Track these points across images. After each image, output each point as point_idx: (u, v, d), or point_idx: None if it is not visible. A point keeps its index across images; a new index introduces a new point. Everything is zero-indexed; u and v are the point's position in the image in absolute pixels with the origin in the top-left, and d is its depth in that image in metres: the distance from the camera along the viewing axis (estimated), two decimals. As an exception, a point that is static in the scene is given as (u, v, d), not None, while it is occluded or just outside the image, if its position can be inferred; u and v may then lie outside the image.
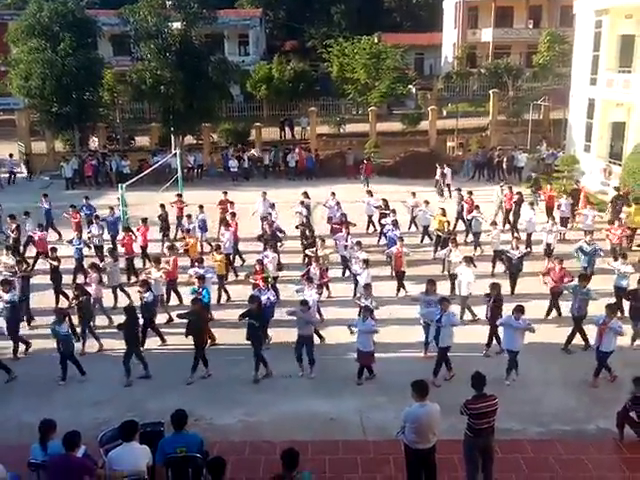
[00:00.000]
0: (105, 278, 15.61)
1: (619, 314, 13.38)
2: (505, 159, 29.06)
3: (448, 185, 26.32)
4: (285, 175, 31.28)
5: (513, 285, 16.15)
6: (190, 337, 12.46)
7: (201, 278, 14.15)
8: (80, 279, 16.36)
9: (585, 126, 28.67)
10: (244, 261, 18.50)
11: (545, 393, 11.77)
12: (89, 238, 18.76)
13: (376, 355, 12.36)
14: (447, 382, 11.90)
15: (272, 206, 20.32)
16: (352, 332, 12.32)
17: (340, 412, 11.18)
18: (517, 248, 16.31)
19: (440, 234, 18.61)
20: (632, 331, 13.35)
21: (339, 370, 12.49)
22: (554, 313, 14.81)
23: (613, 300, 13.90)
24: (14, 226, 18.94)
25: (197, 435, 8.11)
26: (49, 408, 10.69)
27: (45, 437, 7.85)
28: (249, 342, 12.36)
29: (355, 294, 15.56)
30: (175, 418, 7.88)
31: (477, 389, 8.49)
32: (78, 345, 13.28)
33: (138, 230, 18.55)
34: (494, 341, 13.18)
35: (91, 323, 14.01)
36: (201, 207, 20.30)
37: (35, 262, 17.96)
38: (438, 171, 26.87)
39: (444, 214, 18.96)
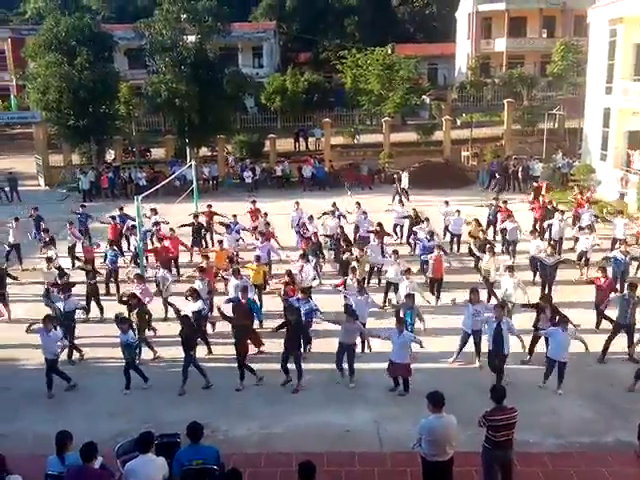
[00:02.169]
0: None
1: None
2: (520, 168, 28.96)
3: (404, 189, 26.89)
4: (301, 186, 31.36)
5: (549, 292, 15.90)
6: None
7: (244, 290, 13.70)
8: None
9: (601, 135, 28.50)
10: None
11: (562, 404, 11.63)
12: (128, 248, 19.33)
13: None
14: (463, 394, 11.71)
15: (310, 217, 20.21)
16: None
17: (355, 424, 11.10)
18: (552, 255, 16.23)
19: (473, 245, 18.31)
20: None
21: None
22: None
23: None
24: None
25: (213, 447, 8.08)
26: (65, 419, 10.72)
27: (62, 449, 7.85)
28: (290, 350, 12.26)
29: (385, 303, 15.51)
30: (191, 430, 7.86)
31: (497, 401, 8.40)
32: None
33: (165, 240, 18.64)
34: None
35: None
36: (235, 216, 20.51)
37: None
38: (396, 176, 27.52)
39: (479, 224, 19.00)
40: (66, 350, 13.22)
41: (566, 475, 9.40)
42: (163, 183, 25.69)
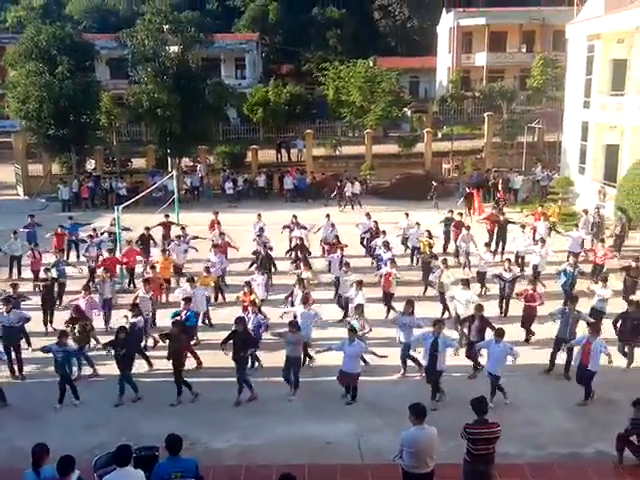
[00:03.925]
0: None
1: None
2: (500, 181, 29.22)
3: (351, 197, 28.33)
4: (282, 197, 31.35)
5: (506, 308, 16.11)
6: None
7: (187, 300, 13.97)
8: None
9: (579, 148, 28.87)
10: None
11: (541, 416, 11.68)
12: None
13: (372, 378, 12.31)
14: (446, 406, 11.75)
15: (261, 230, 20.21)
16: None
17: (336, 435, 11.06)
18: (510, 270, 16.21)
19: (423, 257, 18.56)
20: (618, 352, 13.24)
21: (332, 393, 12.33)
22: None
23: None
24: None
25: (193, 459, 7.99)
26: (42, 432, 10.57)
27: (38, 462, 7.69)
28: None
29: (345, 316, 15.51)
30: (170, 442, 7.76)
31: (478, 413, 8.41)
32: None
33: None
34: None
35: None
36: (183, 228, 20.86)
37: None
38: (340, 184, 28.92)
39: (430, 236, 18.99)
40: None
41: (546, 486, 9.45)
42: (144, 193, 25.61)
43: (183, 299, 14.13)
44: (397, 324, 13.34)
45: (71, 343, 12.80)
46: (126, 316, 13.79)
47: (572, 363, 12.45)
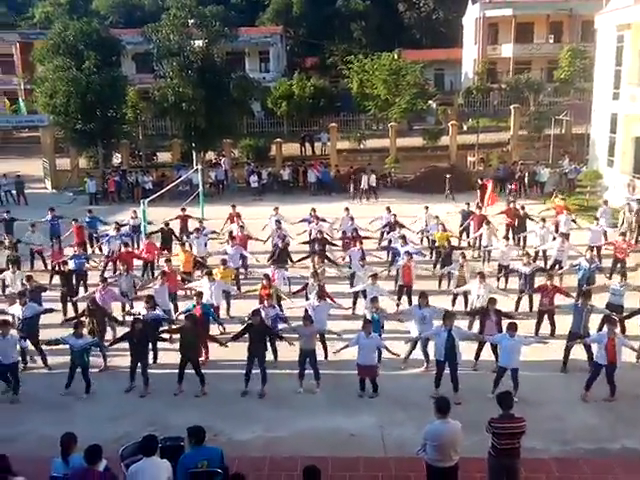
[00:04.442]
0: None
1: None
2: (527, 174, 28.91)
3: (367, 189, 29.01)
4: (306, 190, 31.36)
5: (530, 303, 15.77)
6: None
7: (199, 295, 14.03)
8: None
9: (608, 141, 28.42)
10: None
11: (567, 411, 11.56)
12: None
13: (395, 372, 12.33)
14: (470, 400, 11.67)
15: (278, 222, 20.21)
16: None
17: (360, 428, 11.08)
18: (529, 264, 15.99)
19: (440, 250, 18.39)
20: None
21: (355, 386, 12.30)
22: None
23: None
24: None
25: (217, 448, 8.07)
26: (69, 422, 10.72)
27: (67, 451, 7.85)
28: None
29: (353, 310, 15.47)
30: (194, 432, 7.85)
31: (503, 408, 8.35)
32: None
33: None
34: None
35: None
36: (201, 221, 21.04)
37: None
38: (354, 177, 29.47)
39: (445, 229, 18.86)
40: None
41: (571, 482, 9.36)
42: (169, 187, 25.79)
43: (195, 294, 14.19)
44: (414, 317, 13.19)
45: (86, 334, 12.93)
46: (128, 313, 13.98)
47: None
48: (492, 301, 13.12)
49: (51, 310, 14.50)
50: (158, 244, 19.66)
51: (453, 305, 15.69)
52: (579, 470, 9.66)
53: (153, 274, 18.31)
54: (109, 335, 14.32)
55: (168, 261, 16.75)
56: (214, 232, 20.42)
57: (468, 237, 21.11)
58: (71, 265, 17.19)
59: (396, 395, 12.12)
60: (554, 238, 18.45)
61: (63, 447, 7.86)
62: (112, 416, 11.60)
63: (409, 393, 12.08)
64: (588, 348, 12.58)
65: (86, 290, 16.70)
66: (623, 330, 13.56)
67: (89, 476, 7.38)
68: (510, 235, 20.53)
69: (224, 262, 16.65)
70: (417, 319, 12.96)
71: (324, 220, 20.59)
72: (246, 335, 12.41)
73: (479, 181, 26.64)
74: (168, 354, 13.58)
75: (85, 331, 13.11)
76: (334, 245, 19.14)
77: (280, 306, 14.64)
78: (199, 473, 7.72)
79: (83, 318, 13.74)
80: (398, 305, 15.57)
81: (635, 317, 13.52)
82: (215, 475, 7.74)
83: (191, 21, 31.94)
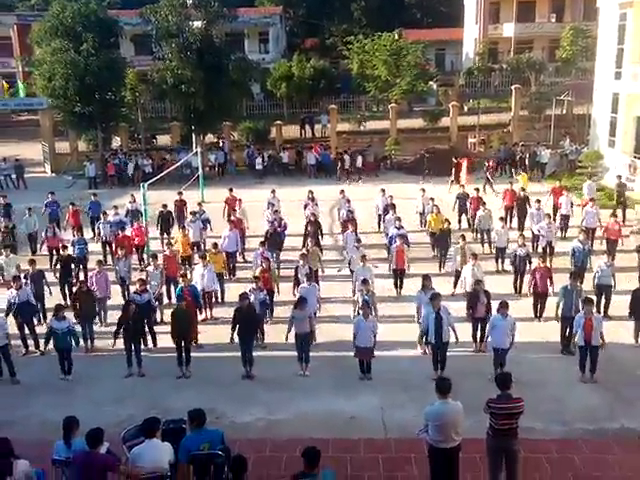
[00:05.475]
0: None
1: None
2: (528, 155, 28.77)
3: (350, 170, 29.32)
4: (305, 173, 31.24)
5: (520, 284, 15.88)
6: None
7: (184, 276, 14.23)
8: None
9: (609, 121, 28.24)
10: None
11: (566, 392, 11.64)
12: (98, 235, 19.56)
13: (394, 353, 12.40)
14: (469, 381, 11.67)
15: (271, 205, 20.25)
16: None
17: (360, 410, 11.16)
18: (524, 246, 16.00)
19: (433, 232, 18.42)
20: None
21: (356, 368, 12.37)
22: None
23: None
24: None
25: (218, 430, 8.13)
26: (71, 405, 10.80)
27: (69, 434, 7.93)
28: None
29: (354, 293, 15.37)
30: (195, 415, 7.90)
31: (501, 388, 8.38)
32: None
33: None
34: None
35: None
36: (200, 205, 20.94)
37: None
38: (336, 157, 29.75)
39: (439, 211, 18.78)
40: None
41: (570, 462, 9.43)
42: (169, 170, 25.68)
43: (180, 275, 14.37)
44: (419, 302, 13.26)
45: (70, 317, 13.02)
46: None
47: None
48: (479, 282, 13.24)
49: (50, 293, 14.56)
50: (157, 227, 19.64)
51: (455, 287, 15.76)
52: (578, 450, 9.73)
53: (142, 259, 18.32)
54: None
55: (169, 244, 16.77)
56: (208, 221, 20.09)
57: (468, 219, 20.98)
58: (70, 250, 17.23)
59: (397, 377, 12.18)
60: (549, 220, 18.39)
61: (65, 430, 7.94)
62: (114, 399, 11.69)
63: (410, 375, 12.15)
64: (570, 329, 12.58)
65: (85, 275, 16.70)
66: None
67: (91, 459, 7.45)
68: (508, 218, 20.45)
69: (215, 246, 16.58)
70: (423, 303, 12.95)
71: (316, 204, 20.46)
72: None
73: (453, 159, 26.71)
74: (168, 337, 13.63)
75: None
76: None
77: (277, 290, 14.78)
78: (201, 455, 7.78)
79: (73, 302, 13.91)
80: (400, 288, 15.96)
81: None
82: (216, 457, 7.80)
83: (190, 2, 31.57)
